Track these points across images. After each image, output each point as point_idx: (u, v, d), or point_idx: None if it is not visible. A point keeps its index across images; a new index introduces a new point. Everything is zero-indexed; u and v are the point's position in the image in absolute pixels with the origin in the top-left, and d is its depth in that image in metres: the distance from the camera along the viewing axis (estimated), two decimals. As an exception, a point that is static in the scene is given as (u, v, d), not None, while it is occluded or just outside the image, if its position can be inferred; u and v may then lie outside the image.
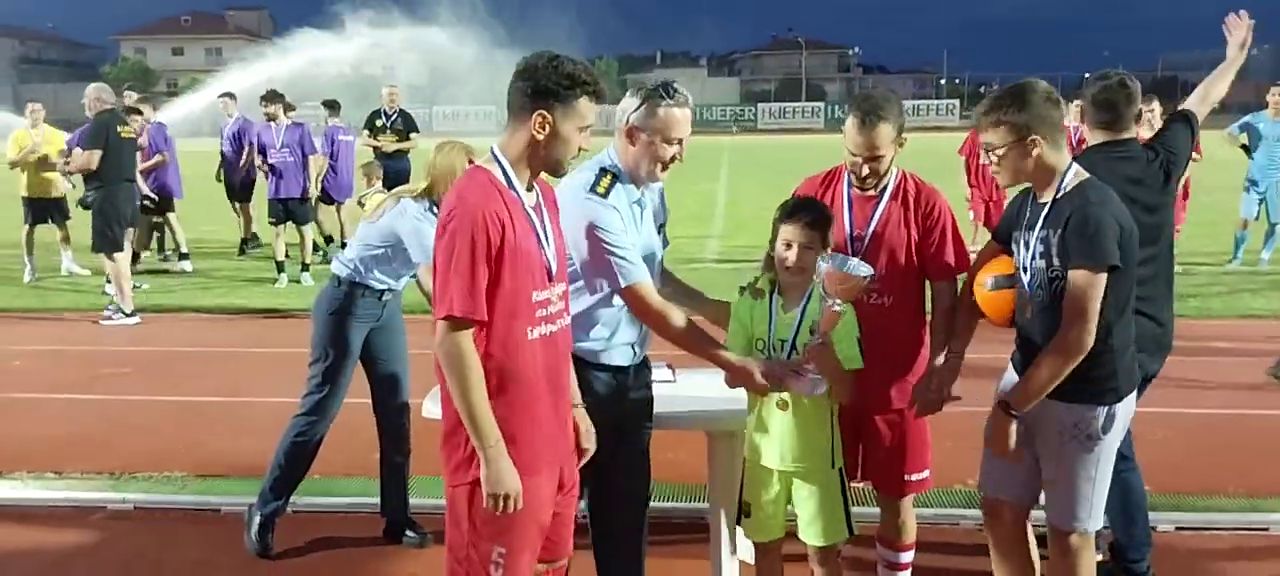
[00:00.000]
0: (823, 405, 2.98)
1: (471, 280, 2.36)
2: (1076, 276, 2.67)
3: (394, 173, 10.96)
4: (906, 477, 3.25)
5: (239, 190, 12.24)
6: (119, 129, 8.65)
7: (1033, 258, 2.82)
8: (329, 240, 11.81)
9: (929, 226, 3.16)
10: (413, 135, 11.95)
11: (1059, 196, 2.78)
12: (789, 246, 2.95)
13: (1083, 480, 2.83)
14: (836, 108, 58.13)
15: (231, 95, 12.57)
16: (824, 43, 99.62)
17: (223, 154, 12.29)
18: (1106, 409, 2.80)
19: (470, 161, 3.79)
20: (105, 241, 8.55)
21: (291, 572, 3.96)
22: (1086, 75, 4.29)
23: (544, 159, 2.51)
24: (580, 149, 2.55)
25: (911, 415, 3.20)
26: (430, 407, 3.27)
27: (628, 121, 2.87)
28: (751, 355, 2.98)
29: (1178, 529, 4.21)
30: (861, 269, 2.81)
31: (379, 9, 29.80)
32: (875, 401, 3.18)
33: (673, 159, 2.89)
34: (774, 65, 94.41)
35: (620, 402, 2.97)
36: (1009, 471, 2.98)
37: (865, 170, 3.10)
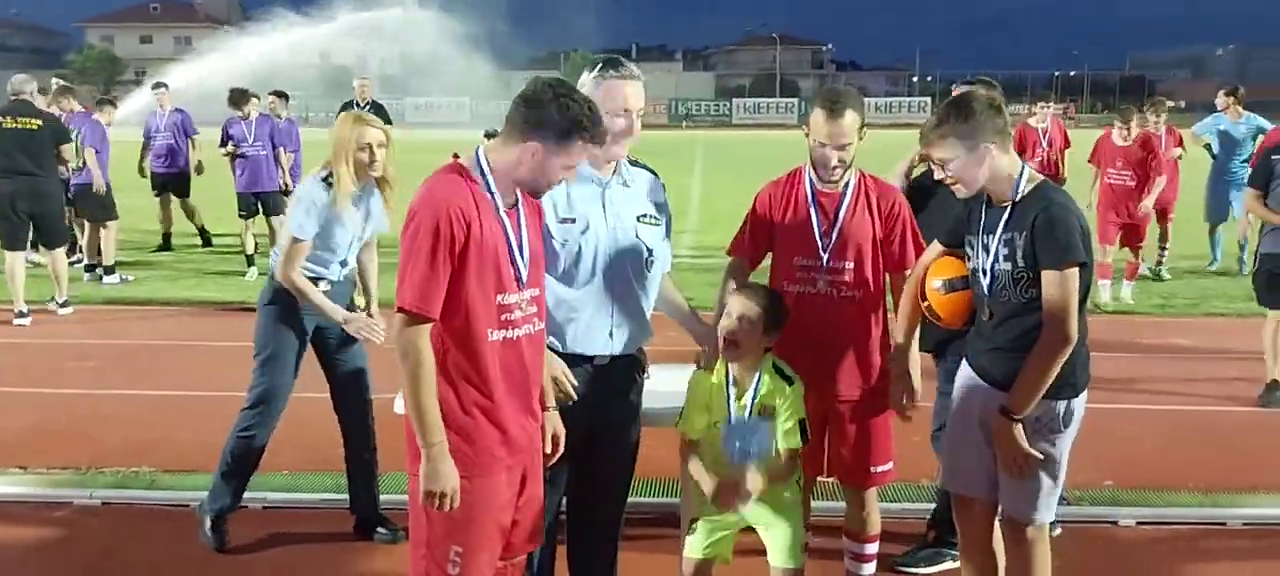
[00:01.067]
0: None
1: (428, 274, 2.37)
2: (1051, 277, 2.73)
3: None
4: (871, 469, 3.31)
5: (176, 184, 11.70)
6: (7, 121, 8.20)
7: (996, 260, 2.86)
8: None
9: (891, 223, 3.25)
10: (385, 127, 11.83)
11: (1018, 199, 2.84)
12: (727, 315, 2.97)
13: (1040, 473, 2.89)
14: (810, 104, 58.41)
15: (164, 86, 12.11)
16: (798, 39, 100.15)
17: (150, 148, 11.65)
18: (1065, 403, 2.86)
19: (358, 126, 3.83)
20: None
21: (264, 568, 3.94)
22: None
23: (525, 182, 2.53)
24: (562, 181, 2.56)
25: (875, 406, 3.26)
26: (401, 404, 3.26)
27: None
28: (710, 431, 3.00)
29: (1139, 523, 4.31)
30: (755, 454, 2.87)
31: (351, -1, 29.49)
32: (840, 394, 3.24)
33: (622, 131, 2.88)
34: (748, 60, 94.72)
35: (595, 398, 2.91)
36: (976, 470, 3.03)
37: (833, 160, 3.13)
